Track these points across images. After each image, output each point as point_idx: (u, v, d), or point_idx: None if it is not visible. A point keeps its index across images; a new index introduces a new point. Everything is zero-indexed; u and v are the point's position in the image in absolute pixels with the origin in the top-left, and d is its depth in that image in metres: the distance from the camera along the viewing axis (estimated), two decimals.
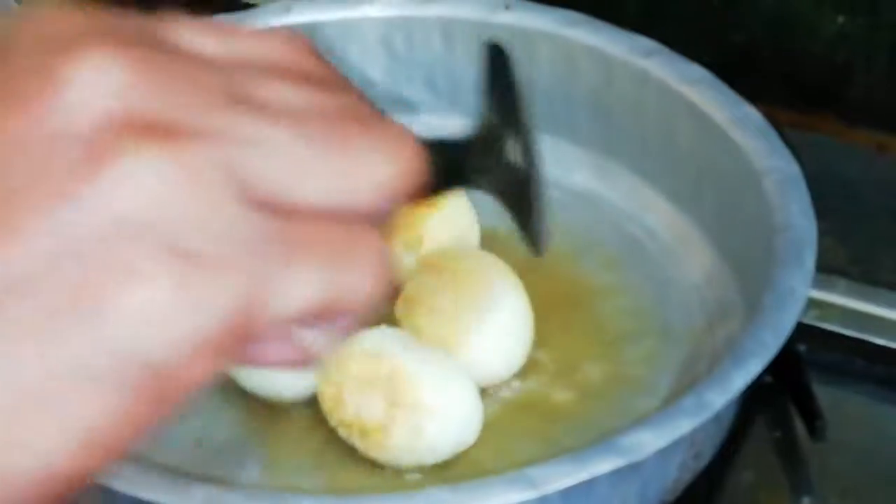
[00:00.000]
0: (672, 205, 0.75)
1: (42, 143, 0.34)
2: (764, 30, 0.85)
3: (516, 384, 0.68)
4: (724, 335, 0.67)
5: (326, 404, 0.65)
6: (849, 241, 0.77)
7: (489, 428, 0.65)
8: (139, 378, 0.34)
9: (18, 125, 0.34)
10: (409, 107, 0.80)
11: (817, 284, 0.67)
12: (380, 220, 0.38)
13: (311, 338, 0.38)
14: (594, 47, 0.76)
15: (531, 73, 0.77)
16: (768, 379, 0.69)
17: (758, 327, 0.61)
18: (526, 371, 0.69)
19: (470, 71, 0.79)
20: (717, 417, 0.59)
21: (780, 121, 0.71)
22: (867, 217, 0.79)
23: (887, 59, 0.82)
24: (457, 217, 0.72)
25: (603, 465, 0.56)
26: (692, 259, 0.73)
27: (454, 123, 0.81)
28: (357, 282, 0.37)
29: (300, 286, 0.36)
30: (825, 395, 0.69)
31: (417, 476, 0.64)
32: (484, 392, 0.66)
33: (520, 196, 0.42)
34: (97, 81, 0.35)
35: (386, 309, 0.67)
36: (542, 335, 0.69)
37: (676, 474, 0.62)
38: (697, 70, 0.73)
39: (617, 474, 0.57)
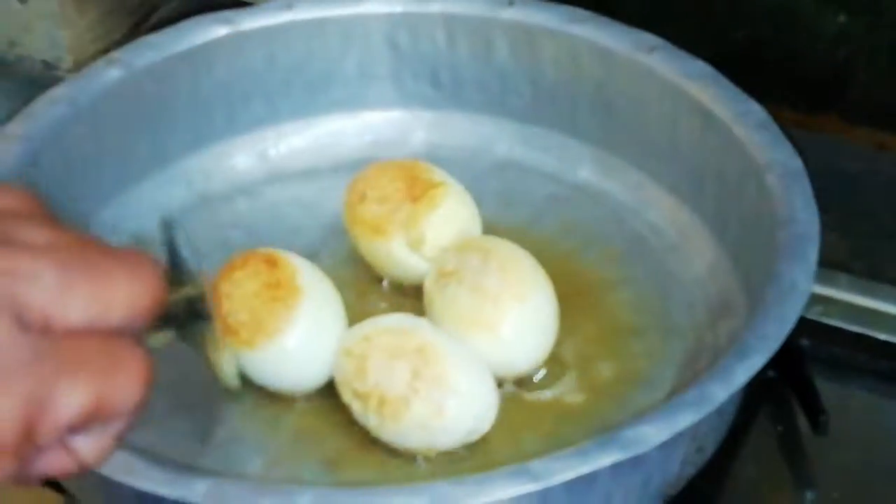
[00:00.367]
0: (675, 199, 0.75)
1: None
2: (765, 29, 0.85)
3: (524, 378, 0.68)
4: (726, 329, 0.67)
5: (344, 377, 0.65)
6: (851, 238, 0.77)
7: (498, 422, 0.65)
8: None
9: None
10: (412, 103, 0.81)
11: (820, 280, 0.67)
12: (137, 333, 0.45)
13: (84, 444, 0.45)
14: (597, 43, 0.76)
15: (534, 69, 0.78)
16: (771, 374, 0.69)
17: (761, 321, 0.61)
18: None
19: (473, 67, 0.79)
20: (719, 411, 0.59)
21: (781, 120, 0.71)
22: (869, 214, 0.79)
23: (888, 59, 0.82)
24: (458, 212, 0.72)
25: (605, 459, 0.56)
26: (695, 254, 0.73)
27: (459, 118, 0.82)
28: (123, 386, 0.44)
29: (73, 394, 0.42)
30: (828, 390, 0.69)
31: (424, 469, 0.64)
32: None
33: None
34: None
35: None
36: None
37: (679, 468, 0.62)
38: (700, 66, 0.74)
39: (619, 468, 0.57)
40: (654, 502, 0.62)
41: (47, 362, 0.42)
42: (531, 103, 0.79)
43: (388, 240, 0.71)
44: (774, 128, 0.70)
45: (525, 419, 0.67)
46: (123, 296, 0.44)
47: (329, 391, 0.66)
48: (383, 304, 0.72)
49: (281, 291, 0.66)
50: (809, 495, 0.68)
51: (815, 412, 0.68)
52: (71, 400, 0.42)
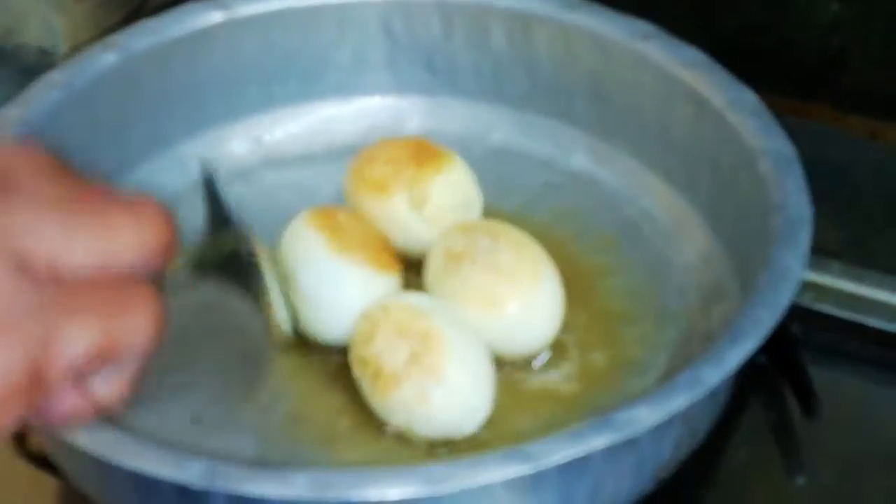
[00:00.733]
0: (668, 186, 0.75)
1: None
2: (759, 17, 0.85)
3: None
4: (719, 315, 0.67)
5: (357, 336, 0.65)
6: (843, 225, 0.77)
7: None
8: None
9: None
10: (408, 89, 0.81)
11: (812, 267, 0.67)
12: (155, 277, 0.46)
13: (99, 385, 0.46)
14: (592, 31, 0.76)
15: (529, 56, 0.78)
16: (763, 360, 0.70)
17: (753, 305, 0.62)
18: None
19: (469, 54, 0.79)
20: (712, 394, 0.59)
21: (774, 107, 0.71)
22: (861, 202, 0.80)
23: (881, 47, 0.83)
24: (462, 185, 0.72)
25: (598, 441, 0.57)
26: (688, 240, 0.73)
27: (454, 105, 0.82)
28: (133, 323, 0.45)
29: (79, 334, 0.43)
30: (819, 376, 0.69)
31: (419, 451, 0.64)
32: None
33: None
34: None
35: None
36: None
37: (672, 451, 0.62)
38: (694, 53, 0.74)
39: (612, 450, 0.57)
40: (647, 485, 0.62)
41: (53, 306, 0.43)
42: (526, 90, 0.79)
43: (391, 196, 0.71)
44: (768, 115, 0.70)
45: (519, 403, 0.67)
46: (130, 240, 0.45)
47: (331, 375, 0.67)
48: None
49: None
50: (801, 480, 0.68)
51: (807, 398, 0.68)
52: (77, 339, 0.43)
